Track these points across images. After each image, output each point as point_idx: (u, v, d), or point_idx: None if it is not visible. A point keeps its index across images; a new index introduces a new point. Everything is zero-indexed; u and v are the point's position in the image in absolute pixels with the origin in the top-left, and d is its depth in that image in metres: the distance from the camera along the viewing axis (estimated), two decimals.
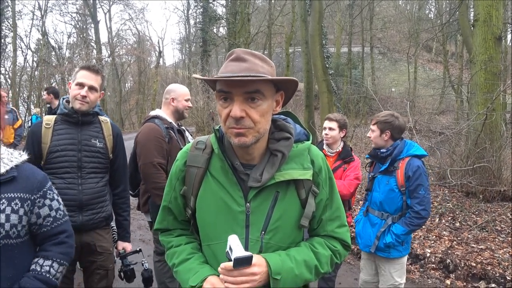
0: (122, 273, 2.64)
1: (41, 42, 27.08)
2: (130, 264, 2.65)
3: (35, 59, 27.65)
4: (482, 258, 4.69)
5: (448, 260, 4.69)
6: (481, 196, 6.74)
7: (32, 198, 1.62)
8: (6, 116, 5.99)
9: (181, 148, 2.92)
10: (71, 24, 38.49)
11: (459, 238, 5.34)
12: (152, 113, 3.17)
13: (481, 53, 7.11)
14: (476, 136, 6.95)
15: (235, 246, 1.17)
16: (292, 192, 1.34)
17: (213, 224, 1.35)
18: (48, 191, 1.70)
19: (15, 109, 6.91)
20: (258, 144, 1.29)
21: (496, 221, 5.86)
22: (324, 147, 3.45)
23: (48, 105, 5.79)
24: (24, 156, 1.68)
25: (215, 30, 28.92)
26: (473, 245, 5.09)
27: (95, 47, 30.75)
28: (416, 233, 5.39)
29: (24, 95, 26.84)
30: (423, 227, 5.49)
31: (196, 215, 1.41)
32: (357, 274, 4.02)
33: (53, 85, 24.09)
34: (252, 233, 1.31)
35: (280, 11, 27.35)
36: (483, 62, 7.05)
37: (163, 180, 2.80)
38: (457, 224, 5.90)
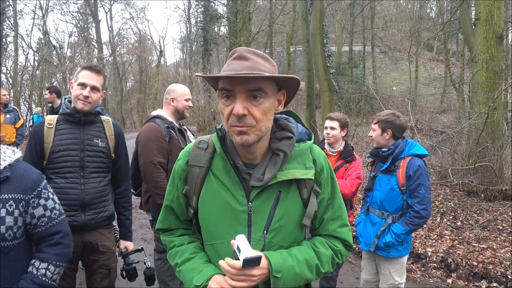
0: (124, 272, 2.65)
1: (43, 41, 27.05)
2: (132, 263, 2.66)
3: (36, 58, 27.65)
4: (483, 257, 4.68)
5: (450, 259, 4.69)
6: (482, 195, 6.73)
7: (27, 198, 1.60)
8: (8, 116, 5.97)
9: (182, 148, 2.97)
10: (72, 23, 38.70)
11: (460, 237, 5.34)
12: (153, 113, 3.21)
13: (483, 52, 7.10)
14: (477, 135, 6.95)
15: (243, 246, 1.17)
16: (294, 192, 1.34)
17: (215, 223, 1.35)
18: (43, 190, 1.67)
19: (16, 108, 6.92)
20: (260, 143, 1.30)
21: (498, 220, 5.86)
22: (326, 146, 3.44)
23: (49, 105, 5.79)
24: (18, 154, 1.65)
25: (216, 29, 28.95)
26: (474, 244, 5.08)
27: (96, 46, 30.77)
28: (417, 232, 5.39)
29: (26, 94, 26.83)
30: (424, 226, 5.49)
31: (198, 214, 1.41)
32: (358, 273, 4.02)
33: (54, 84, 24.09)
34: (254, 233, 1.31)
35: (281, 10, 27.34)
36: (485, 61, 7.04)
37: (163, 179, 2.85)
38: (459, 223, 5.90)
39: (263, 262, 1.22)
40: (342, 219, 1.45)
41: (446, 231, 5.59)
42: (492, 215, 5.95)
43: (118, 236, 2.73)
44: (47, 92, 5.55)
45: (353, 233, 3.27)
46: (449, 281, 4.42)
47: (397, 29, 30.63)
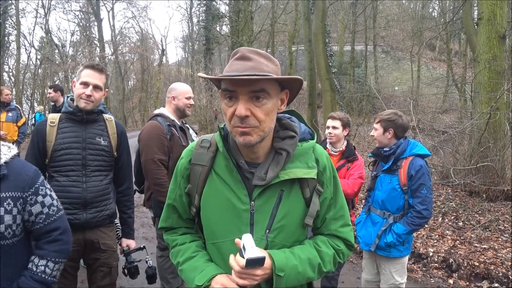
0: (126, 270, 2.66)
1: (45, 40, 27.14)
2: (134, 261, 2.67)
3: (38, 57, 27.76)
4: (485, 257, 4.67)
5: (451, 260, 4.68)
6: (484, 195, 6.72)
7: (24, 196, 1.60)
8: (10, 114, 5.97)
9: (183, 145, 3.01)
10: (74, 22, 38.72)
11: (462, 238, 5.33)
12: (156, 111, 3.27)
13: (485, 51, 7.08)
14: (479, 135, 6.92)
15: (249, 246, 1.17)
16: (296, 191, 1.34)
17: (217, 222, 1.35)
18: (40, 187, 1.67)
19: (18, 106, 6.93)
20: (263, 143, 1.29)
21: (499, 221, 5.85)
22: (328, 146, 3.44)
23: (52, 103, 5.79)
24: (14, 151, 1.64)
25: (218, 28, 28.96)
26: (476, 244, 5.08)
27: (98, 45, 30.84)
28: (419, 232, 5.39)
29: (28, 93, 26.94)
30: (426, 226, 5.49)
31: (200, 213, 1.41)
32: (359, 273, 4.02)
33: (56, 82, 24.14)
34: (257, 232, 1.31)
35: (283, 10, 27.35)
36: (487, 60, 7.02)
37: (163, 176, 2.92)
38: (460, 224, 5.89)
39: (267, 262, 1.22)
40: (344, 219, 1.45)
41: (447, 231, 5.58)
42: (494, 216, 5.94)
43: (120, 234, 2.73)
44: (51, 90, 5.54)
45: (354, 233, 3.27)
46: (451, 281, 4.42)
47: (399, 29, 30.61)
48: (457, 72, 24.48)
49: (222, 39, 28.05)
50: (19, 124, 6.53)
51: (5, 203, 1.53)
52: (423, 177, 2.81)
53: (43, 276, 1.64)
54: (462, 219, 6.02)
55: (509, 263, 4.49)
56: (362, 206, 3.81)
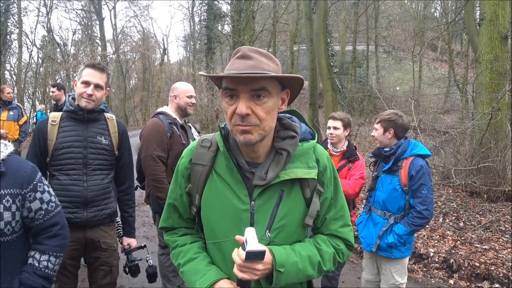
0: (127, 268, 2.67)
1: (46, 38, 27.16)
2: (135, 259, 2.68)
3: (40, 55, 27.81)
4: (486, 258, 4.67)
5: (452, 260, 4.68)
6: (485, 196, 6.71)
7: (23, 192, 1.60)
8: (11, 113, 6.00)
9: (183, 143, 3.05)
10: (76, 21, 38.75)
11: (463, 238, 5.33)
12: (159, 109, 3.34)
13: (487, 52, 7.07)
14: (481, 135, 6.92)
15: (251, 240, 1.18)
16: (297, 191, 1.34)
17: (217, 222, 1.35)
18: (38, 184, 1.68)
19: (20, 105, 6.94)
20: (264, 142, 1.29)
21: (500, 221, 5.84)
22: (329, 146, 3.44)
23: (53, 102, 5.80)
24: (10, 148, 1.64)
25: (219, 28, 28.92)
26: (477, 245, 5.07)
27: (100, 44, 30.83)
28: (419, 232, 5.38)
29: (29, 92, 26.95)
30: (427, 226, 5.48)
31: (201, 213, 1.41)
32: (360, 273, 4.02)
33: (58, 81, 24.16)
34: (257, 231, 1.29)
35: (285, 9, 27.33)
36: (489, 61, 7.01)
37: (161, 172, 2.98)
38: (461, 224, 5.88)
39: (268, 258, 1.23)
40: (345, 219, 1.45)
41: (448, 232, 5.58)
42: (495, 216, 5.93)
43: (121, 233, 2.74)
44: (54, 89, 5.52)
45: (355, 233, 3.27)
46: (451, 281, 4.41)
47: (401, 29, 30.53)
48: (459, 72, 24.41)
49: (224, 38, 28.04)
50: (20, 122, 6.55)
51: (4, 200, 1.54)
52: (424, 177, 2.81)
53: (47, 271, 1.66)
54: (463, 220, 6.01)
55: (510, 264, 4.49)
56: (363, 206, 3.81)
